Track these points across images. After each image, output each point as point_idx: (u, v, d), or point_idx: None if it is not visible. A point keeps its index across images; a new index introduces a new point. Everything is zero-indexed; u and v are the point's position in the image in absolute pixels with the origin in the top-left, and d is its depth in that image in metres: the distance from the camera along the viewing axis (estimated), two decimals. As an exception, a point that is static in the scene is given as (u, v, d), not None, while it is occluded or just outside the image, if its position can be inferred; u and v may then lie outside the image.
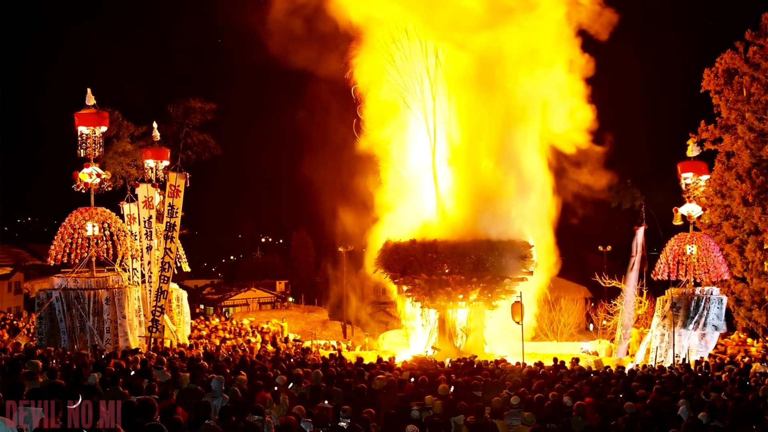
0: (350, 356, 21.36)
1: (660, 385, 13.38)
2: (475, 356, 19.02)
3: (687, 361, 21.00)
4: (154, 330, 20.97)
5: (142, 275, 22.93)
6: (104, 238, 20.91)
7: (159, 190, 23.32)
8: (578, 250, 49.94)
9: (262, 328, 29.08)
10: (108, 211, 21.49)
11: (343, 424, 8.58)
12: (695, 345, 22.76)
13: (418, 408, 9.99)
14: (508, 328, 25.36)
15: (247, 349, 22.05)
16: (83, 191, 21.07)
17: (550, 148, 29.04)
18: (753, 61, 30.07)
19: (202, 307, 49.11)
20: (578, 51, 28.32)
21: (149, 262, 22.97)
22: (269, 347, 23.43)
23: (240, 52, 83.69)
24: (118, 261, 21.63)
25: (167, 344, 21.37)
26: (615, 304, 28.90)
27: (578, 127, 28.60)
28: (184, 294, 25.35)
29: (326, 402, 10.05)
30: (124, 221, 22.61)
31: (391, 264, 26.28)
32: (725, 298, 23.97)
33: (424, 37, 27.89)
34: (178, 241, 22.46)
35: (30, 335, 22.47)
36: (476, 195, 26.70)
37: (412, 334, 28.61)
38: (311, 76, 31.62)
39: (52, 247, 20.75)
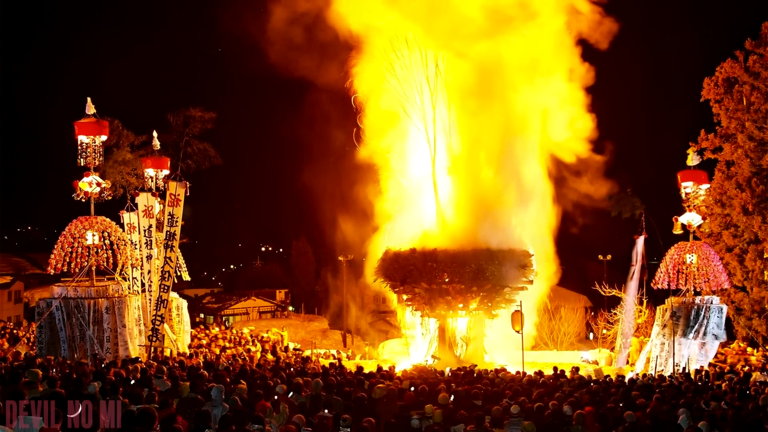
0: (350, 365, 21.35)
1: (660, 394, 13.37)
2: (475, 365, 19.04)
3: (687, 370, 20.96)
4: (154, 339, 20.95)
5: (142, 284, 22.92)
6: (104, 247, 20.90)
7: (159, 199, 23.34)
8: (578, 259, 49.88)
9: (262, 337, 29.04)
10: (108, 220, 21.50)
11: (343, 433, 8.58)
12: (695, 354, 22.72)
13: (418, 417, 9.97)
14: (508, 337, 25.34)
15: (247, 358, 22.04)
16: (83, 200, 21.08)
17: (550, 157, 29.05)
18: (753, 70, 30.13)
19: (202, 316, 49.02)
20: (578, 60, 28.39)
21: (149, 271, 22.96)
22: (269, 356, 23.42)
23: (240, 61, 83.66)
24: (118, 270, 21.62)
25: (167, 353, 21.36)
26: (615, 313, 28.86)
27: (578, 136, 28.63)
28: (184, 303, 25.33)
29: (326, 411, 10.05)
30: (124, 230, 22.61)
31: (391, 273, 26.27)
32: (725, 307, 23.94)
33: (424, 46, 27.94)
34: (178, 250, 22.46)
35: (30, 344, 22.47)
36: (476, 204, 26.71)
37: (412, 343, 28.53)
38: (311, 85, 31.69)
39: (52, 256, 20.74)
